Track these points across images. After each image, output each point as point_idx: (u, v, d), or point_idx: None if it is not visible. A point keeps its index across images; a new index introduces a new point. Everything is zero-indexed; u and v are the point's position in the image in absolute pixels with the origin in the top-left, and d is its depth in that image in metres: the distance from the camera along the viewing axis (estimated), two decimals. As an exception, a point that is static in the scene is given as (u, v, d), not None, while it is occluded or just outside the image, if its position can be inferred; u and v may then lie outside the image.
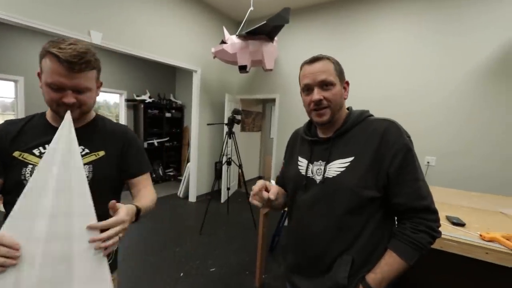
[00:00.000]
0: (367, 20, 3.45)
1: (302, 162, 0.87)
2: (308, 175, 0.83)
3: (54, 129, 0.72)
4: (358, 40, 3.51)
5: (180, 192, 4.47)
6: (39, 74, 0.76)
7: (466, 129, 2.95)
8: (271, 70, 3.53)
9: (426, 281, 1.40)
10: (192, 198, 4.25)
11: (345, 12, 3.62)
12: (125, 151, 0.91)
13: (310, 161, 0.84)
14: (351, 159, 0.76)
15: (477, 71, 2.88)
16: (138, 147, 0.95)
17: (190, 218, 3.51)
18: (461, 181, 2.92)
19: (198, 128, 4.15)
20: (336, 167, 0.77)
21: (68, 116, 0.69)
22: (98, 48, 2.90)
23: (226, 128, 3.45)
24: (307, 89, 0.80)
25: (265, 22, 2.95)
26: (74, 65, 0.70)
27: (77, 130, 0.70)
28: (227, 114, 4.07)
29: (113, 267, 0.88)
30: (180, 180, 4.68)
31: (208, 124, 3.59)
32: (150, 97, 5.22)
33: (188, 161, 4.81)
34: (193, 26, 3.84)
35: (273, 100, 4.48)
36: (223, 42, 3.33)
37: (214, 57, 3.47)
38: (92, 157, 0.83)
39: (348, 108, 0.86)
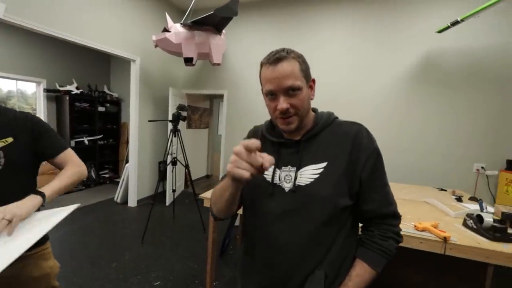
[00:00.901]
0: (314, 19, 3.57)
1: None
2: (274, 182, 0.74)
3: None
4: (306, 37, 3.61)
5: (118, 197, 3.97)
6: None
7: (388, 125, 3.34)
8: (219, 64, 3.38)
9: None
10: (132, 202, 3.82)
11: (293, 9, 3.68)
12: (36, 137, 0.95)
13: (277, 166, 0.75)
14: (324, 164, 0.70)
15: (400, 76, 3.26)
16: (46, 129, 1.00)
17: (130, 225, 3.14)
18: (387, 174, 3.29)
19: (138, 124, 3.73)
20: (309, 173, 0.70)
21: None
22: (2, 24, 2.31)
23: (170, 125, 3.17)
24: (270, 94, 0.71)
25: (212, 12, 2.77)
26: None
27: None
28: (172, 109, 3.76)
29: (45, 238, 1.01)
30: (118, 183, 4.17)
31: (149, 121, 3.25)
32: (77, 88, 4.48)
33: (127, 161, 4.32)
34: (131, 9, 3.41)
35: (221, 96, 4.32)
36: (166, 30, 3.03)
37: (156, 46, 3.14)
38: (1, 144, 0.87)
39: (313, 109, 0.80)
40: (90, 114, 4.72)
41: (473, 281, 1.66)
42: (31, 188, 0.93)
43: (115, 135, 5.18)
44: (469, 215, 1.42)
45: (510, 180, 2.75)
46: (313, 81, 0.76)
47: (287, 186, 0.72)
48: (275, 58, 0.68)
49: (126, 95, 4.89)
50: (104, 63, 5.21)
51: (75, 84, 4.51)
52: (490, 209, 1.63)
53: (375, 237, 0.71)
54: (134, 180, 3.79)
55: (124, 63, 4.80)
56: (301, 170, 0.71)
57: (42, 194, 0.87)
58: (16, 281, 0.92)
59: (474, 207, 1.74)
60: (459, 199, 2.00)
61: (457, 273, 1.66)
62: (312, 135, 0.74)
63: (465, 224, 1.42)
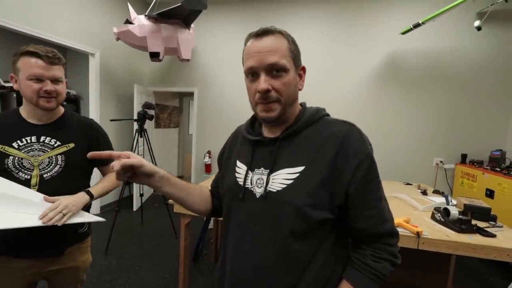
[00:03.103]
0: (284, 18, 3.56)
1: (241, 169, 0.68)
2: (246, 185, 0.65)
3: (29, 124, 0.98)
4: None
5: (77, 204, 3.62)
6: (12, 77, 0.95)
7: (359, 124, 3.42)
8: (188, 60, 3.22)
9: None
10: (94, 209, 3.50)
11: (264, 5, 3.63)
12: (94, 143, 1.09)
13: (250, 167, 0.66)
14: (300, 169, 0.59)
15: (368, 76, 3.39)
16: (105, 138, 1.16)
17: (92, 236, 2.86)
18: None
19: (99, 124, 3.42)
20: (282, 178, 0.60)
21: None
22: None
23: (136, 125, 2.95)
24: (251, 73, 0.60)
25: (179, 4, 2.61)
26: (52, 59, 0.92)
27: (49, 125, 1.00)
28: (137, 108, 3.50)
29: (87, 234, 1.16)
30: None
31: (111, 120, 2.98)
32: (26, 84, 4.00)
33: (87, 164, 3.96)
34: (86, -3, 3.09)
35: (191, 94, 4.15)
36: (129, 22, 2.80)
37: (118, 39, 2.89)
38: (64, 149, 1.00)
39: (301, 104, 0.69)
40: (43, 114, 4.24)
41: (439, 271, 1.76)
42: (83, 186, 1.06)
43: (73, 136, 4.72)
44: (437, 209, 1.48)
45: (465, 172, 2.99)
46: (303, 69, 0.66)
47: (258, 191, 0.62)
48: (262, 31, 0.59)
49: (86, 92, 4.47)
50: (58, 57, 4.71)
51: (23, 80, 4.01)
52: (454, 201, 1.72)
53: (367, 257, 0.60)
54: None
55: (82, 58, 4.38)
56: (274, 174, 0.61)
57: (91, 194, 1.01)
58: (51, 268, 1.01)
59: (439, 200, 1.83)
60: (424, 193, 2.11)
61: (426, 265, 1.74)
62: (292, 132, 0.63)
63: (433, 217, 1.48)
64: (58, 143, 1.00)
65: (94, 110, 3.37)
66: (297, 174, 0.59)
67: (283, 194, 0.59)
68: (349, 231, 0.64)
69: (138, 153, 3.05)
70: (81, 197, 0.97)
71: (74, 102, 4.69)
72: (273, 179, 0.61)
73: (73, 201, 0.93)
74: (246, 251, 0.63)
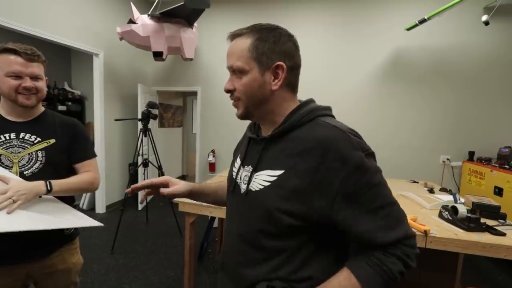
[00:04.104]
0: (287, 16, 3.53)
1: (237, 163, 0.73)
2: (237, 180, 0.69)
3: (8, 121, 0.96)
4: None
5: (84, 203, 3.65)
6: None
7: (364, 122, 3.41)
8: (191, 59, 3.22)
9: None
10: (100, 209, 3.54)
11: (266, 3, 3.61)
12: (73, 141, 1.06)
13: (243, 163, 0.69)
14: (280, 172, 0.57)
15: (374, 73, 3.35)
16: (83, 136, 1.11)
17: (98, 234, 2.89)
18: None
19: (104, 124, 3.45)
20: (262, 179, 0.61)
21: None
22: None
23: (140, 124, 2.96)
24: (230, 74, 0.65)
25: (182, 3, 2.60)
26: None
27: (30, 122, 0.98)
28: (141, 108, 3.52)
29: (75, 235, 1.13)
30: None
31: (116, 120, 3.00)
32: (32, 85, 4.04)
33: (92, 164, 3.99)
34: (90, -2, 3.11)
35: (195, 93, 4.15)
36: (132, 21, 2.81)
37: (121, 39, 2.90)
38: (44, 144, 0.98)
39: (301, 101, 0.66)
40: (49, 114, 4.29)
41: (447, 270, 1.73)
42: None
43: (78, 136, 4.77)
44: (445, 207, 1.45)
45: (472, 170, 2.94)
46: (279, 67, 0.59)
47: (243, 187, 0.65)
48: (230, 35, 0.63)
49: (90, 93, 4.51)
50: (63, 58, 4.74)
51: (29, 81, 4.05)
52: (462, 199, 1.69)
53: (376, 250, 0.54)
54: (101, 184, 3.49)
55: (87, 58, 4.41)
56: (256, 174, 0.62)
57: (50, 186, 0.92)
58: (39, 272, 0.98)
59: (446, 198, 1.80)
60: (431, 191, 2.08)
61: (434, 264, 1.72)
62: (279, 133, 0.61)
63: (441, 215, 1.46)
64: (38, 139, 0.97)
65: (99, 110, 3.39)
66: (275, 178, 0.58)
67: (259, 194, 0.60)
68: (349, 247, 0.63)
69: (143, 153, 3.07)
70: (36, 186, 0.88)
71: (79, 102, 4.74)
72: (255, 178, 0.62)
73: (25, 187, 0.85)
74: (230, 233, 0.70)
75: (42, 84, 0.97)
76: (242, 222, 0.65)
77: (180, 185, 0.77)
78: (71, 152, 1.05)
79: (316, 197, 0.53)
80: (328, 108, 0.64)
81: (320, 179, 0.53)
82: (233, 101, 0.65)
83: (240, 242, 0.65)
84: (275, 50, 0.59)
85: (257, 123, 0.72)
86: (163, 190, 0.74)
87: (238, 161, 0.72)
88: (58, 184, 0.94)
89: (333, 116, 0.64)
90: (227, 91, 0.63)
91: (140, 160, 3.08)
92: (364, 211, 0.53)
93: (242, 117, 0.65)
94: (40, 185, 0.89)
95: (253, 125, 0.74)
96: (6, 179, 0.85)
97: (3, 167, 0.91)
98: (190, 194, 0.79)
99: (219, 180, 0.94)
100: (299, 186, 0.54)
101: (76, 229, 1.11)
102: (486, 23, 2.69)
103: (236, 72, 0.61)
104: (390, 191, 0.56)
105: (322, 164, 0.52)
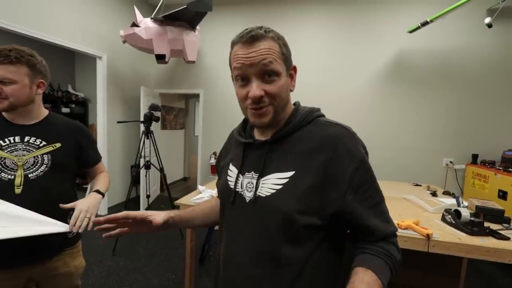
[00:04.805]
0: (289, 18, 3.54)
1: (232, 172, 0.68)
2: (236, 189, 0.64)
3: (12, 125, 0.96)
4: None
5: (86, 205, 3.66)
6: None
7: (366, 124, 3.40)
8: (193, 62, 3.24)
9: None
10: (102, 210, 3.54)
11: (269, 6, 3.62)
12: (81, 144, 1.08)
13: (241, 171, 0.65)
14: (291, 174, 0.57)
15: (376, 75, 3.34)
16: (91, 140, 1.15)
17: (100, 236, 2.89)
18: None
19: (107, 126, 3.47)
20: (272, 183, 0.58)
21: None
22: None
23: (142, 126, 2.97)
24: (241, 78, 0.58)
25: (185, 6, 2.63)
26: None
27: (34, 125, 0.98)
28: (144, 110, 3.54)
29: (77, 238, 1.14)
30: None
31: (118, 122, 3.01)
32: (36, 88, 4.08)
33: (95, 166, 4.00)
34: (96, 1, 3.14)
35: (197, 96, 4.16)
36: (135, 25, 2.83)
37: (124, 42, 2.93)
38: (50, 148, 0.99)
39: (295, 104, 0.67)
40: (52, 116, 4.32)
41: (451, 274, 1.71)
42: (70, 186, 1.08)
43: (81, 138, 4.79)
44: (447, 211, 1.44)
45: (476, 173, 2.91)
46: (294, 69, 0.63)
47: (248, 195, 0.61)
48: (250, 36, 0.55)
49: (94, 95, 4.54)
50: (67, 60, 4.79)
51: (33, 83, 4.09)
52: (465, 203, 1.68)
53: (377, 242, 0.57)
54: (103, 186, 3.51)
55: (90, 61, 4.46)
56: (263, 179, 0.60)
57: (102, 194, 1.05)
58: (41, 275, 0.99)
59: (449, 201, 1.79)
60: (434, 194, 2.06)
61: (437, 268, 1.70)
62: (282, 135, 0.61)
63: (443, 219, 1.44)
64: (44, 142, 0.98)
65: (102, 112, 3.41)
66: (287, 180, 0.57)
67: (271, 199, 0.57)
68: (351, 240, 0.62)
69: (144, 155, 3.08)
70: (95, 197, 0.99)
71: (83, 104, 4.78)
72: (262, 183, 0.60)
73: (89, 203, 0.95)
74: (234, 255, 0.63)
75: (13, 88, 0.89)
76: (254, 234, 0.59)
77: (156, 219, 0.70)
78: (83, 158, 1.10)
79: (330, 190, 0.55)
80: (320, 109, 0.67)
81: (332, 172, 0.55)
82: (259, 109, 0.58)
83: (254, 261, 0.58)
84: (290, 53, 0.62)
85: (248, 127, 0.71)
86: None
87: (234, 169, 0.67)
88: (103, 188, 1.08)
89: (325, 116, 0.68)
90: (259, 99, 0.56)
91: (142, 162, 3.09)
92: (369, 205, 0.56)
93: (269, 124, 0.59)
94: (96, 195, 1.02)
95: (242, 129, 0.72)
96: (68, 206, 0.91)
97: (8, 170, 0.91)
98: (167, 225, 0.73)
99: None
100: (313, 184, 0.55)
101: (78, 232, 1.12)
102: (489, 25, 2.68)
103: (270, 75, 0.56)
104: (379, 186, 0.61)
105: (331, 159, 0.55)
